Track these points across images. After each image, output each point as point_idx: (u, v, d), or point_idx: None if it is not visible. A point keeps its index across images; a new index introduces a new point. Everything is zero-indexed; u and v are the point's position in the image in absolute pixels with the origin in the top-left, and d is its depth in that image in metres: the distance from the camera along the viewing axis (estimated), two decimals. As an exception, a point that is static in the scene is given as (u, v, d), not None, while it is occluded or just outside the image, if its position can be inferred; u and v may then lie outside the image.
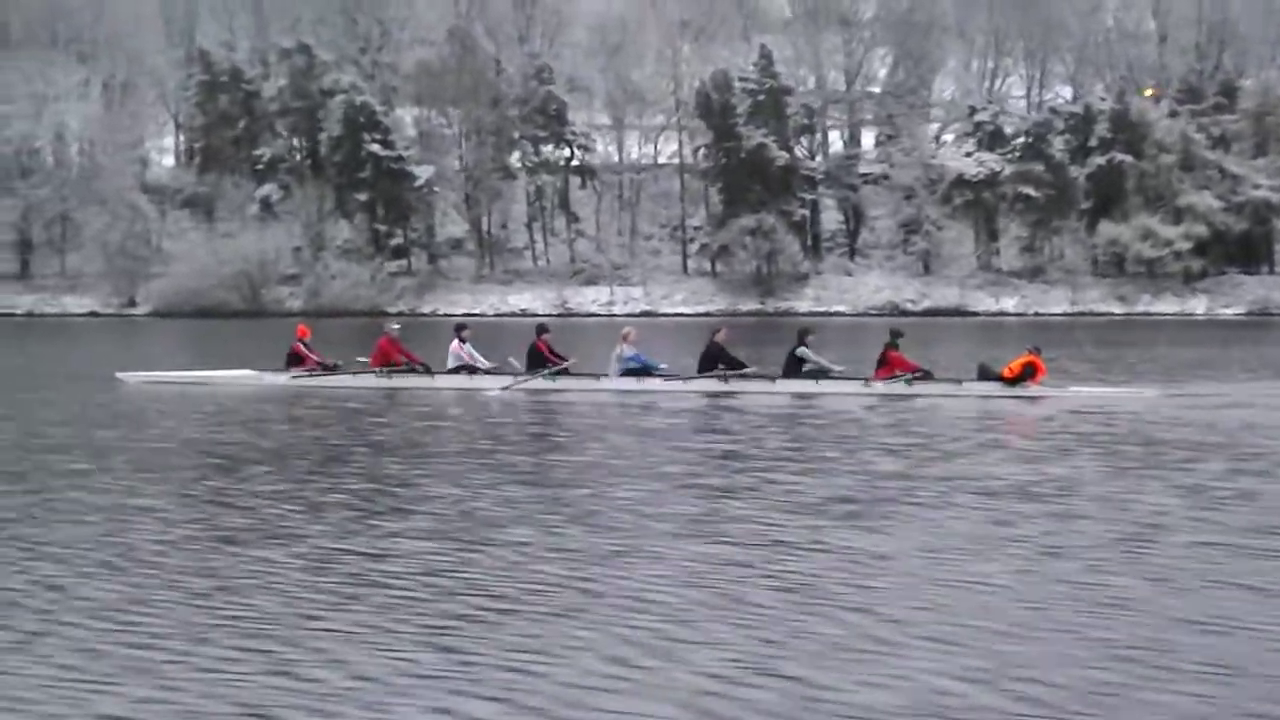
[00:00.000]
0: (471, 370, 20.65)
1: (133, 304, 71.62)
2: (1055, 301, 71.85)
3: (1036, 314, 70.25)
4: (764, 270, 72.87)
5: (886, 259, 77.08)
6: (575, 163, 76.77)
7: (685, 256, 77.10)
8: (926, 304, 71.81)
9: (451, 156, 76.83)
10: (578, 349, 22.27)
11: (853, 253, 79.11)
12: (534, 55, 76.11)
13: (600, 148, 77.51)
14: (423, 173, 73.32)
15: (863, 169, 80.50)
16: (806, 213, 75.18)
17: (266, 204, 72.68)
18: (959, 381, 19.65)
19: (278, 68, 75.24)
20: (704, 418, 17.21)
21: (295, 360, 21.31)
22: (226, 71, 74.83)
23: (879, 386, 19.27)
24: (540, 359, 20.30)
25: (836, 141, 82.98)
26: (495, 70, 75.95)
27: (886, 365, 19.62)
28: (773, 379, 19.84)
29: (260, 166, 74.37)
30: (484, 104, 74.69)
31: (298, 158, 75.80)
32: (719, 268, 75.58)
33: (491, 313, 70.96)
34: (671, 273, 76.25)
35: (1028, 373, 19.01)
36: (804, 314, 70.84)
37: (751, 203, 72.85)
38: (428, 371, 20.68)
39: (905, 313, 70.84)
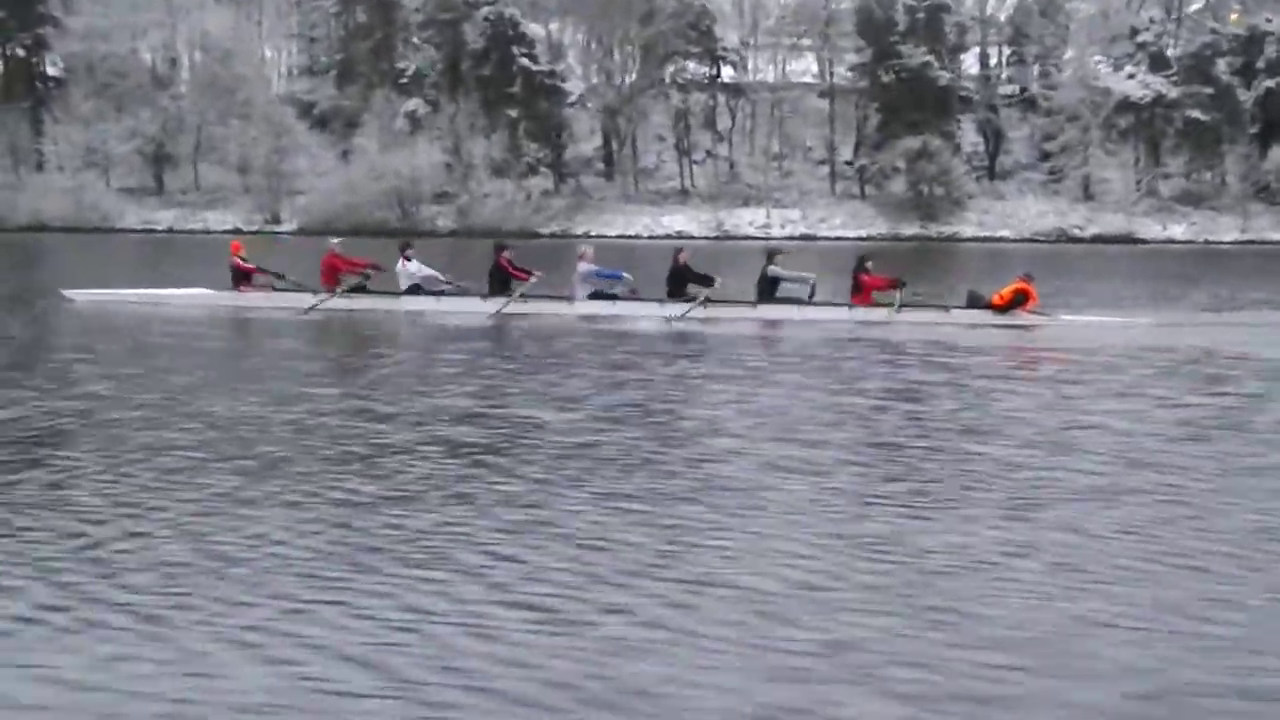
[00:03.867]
0: (430, 291, 19.38)
1: (276, 220, 69.43)
2: (1224, 229, 69.76)
3: (1207, 241, 68.21)
4: (926, 193, 70.58)
5: (1042, 184, 74.66)
6: (723, 80, 74.28)
7: (834, 179, 74.72)
8: (1093, 230, 69.68)
9: (596, 72, 74.29)
10: (730, 273, 20.84)
11: (992, 175, 76.79)
12: (688, -33, 73.17)
13: (750, 65, 74.91)
14: (573, 88, 70.84)
15: (1006, 90, 78.16)
16: (983, 134, 72.94)
17: (413, 118, 70.18)
18: (946, 308, 18.46)
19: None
20: (680, 343, 15.64)
21: (241, 277, 19.88)
22: (368, -21, 72.04)
23: (862, 313, 18.02)
24: (504, 278, 19.07)
25: (969, 61, 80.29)
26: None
27: (862, 291, 18.51)
28: (753, 304, 18.59)
29: (404, 80, 71.78)
30: (636, 18, 71.98)
31: (439, 70, 73.08)
32: (868, 190, 73.39)
33: (646, 234, 68.93)
34: (820, 195, 73.98)
35: (1018, 300, 18.05)
36: (967, 239, 69.04)
37: (909, 124, 70.52)
38: (376, 269, 19.53)
39: (1072, 239, 68.95)
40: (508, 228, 65.92)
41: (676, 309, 18.27)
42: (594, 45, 74.78)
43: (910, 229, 69.96)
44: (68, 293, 19.95)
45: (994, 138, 76.98)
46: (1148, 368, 13.10)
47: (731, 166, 74.97)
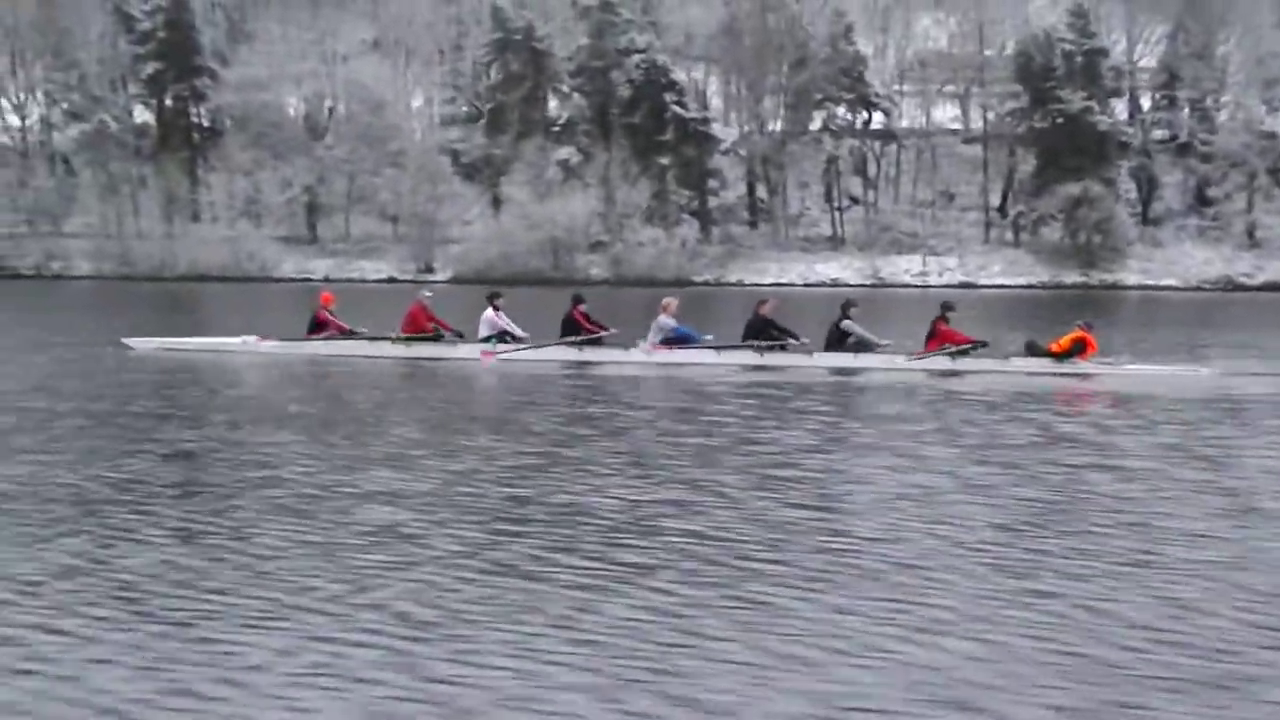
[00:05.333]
0: (503, 338, 19.99)
1: (429, 270, 69.42)
2: (1405, 280, 67.40)
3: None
4: (1089, 240, 69.00)
5: (1199, 231, 72.68)
6: (874, 126, 73.37)
7: (988, 226, 73.36)
8: (1262, 278, 67.69)
9: (745, 119, 73.71)
10: (890, 324, 21.27)
11: (1144, 222, 74.98)
12: (840, 14, 72.33)
13: (902, 110, 73.93)
14: (726, 135, 70.30)
15: (1156, 135, 76.37)
16: (1134, 180, 71.28)
17: (566, 167, 69.97)
18: (1006, 357, 18.55)
19: (575, 26, 72.25)
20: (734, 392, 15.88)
21: (317, 327, 20.79)
22: (520, 30, 71.93)
23: (919, 363, 18.19)
24: (575, 329, 19.60)
25: (1119, 107, 78.70)
26: (799, 29, 72.34)
27: (935, 338, 18.57)
28: (810, 352, 18.89)
29: (556, 128, 71.66)
30: (788, 63, 71.35)
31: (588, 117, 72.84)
32: (1023, 237, 71.98)
33: (800, 282, 68.09)
34: (974, 243, 72.65)
35: (1077, 349, 18.08)
36: (1131, 287, 67.46)
37: (1066, 170, 69.09)
38: (459, 337, 20.19)
39: (1240, 287, 67.06)
40: (662, 276, 65.60)
41: (733, 356, 18.59)
42: (743, 91, 74.10)
43: (1071, 277, 68.42)
44: (128, 340, 20.60)
45: (1147, 184, 75.29)
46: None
47: (878, 213, 73.85)
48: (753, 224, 74.24)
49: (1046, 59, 69.29)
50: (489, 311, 20.02)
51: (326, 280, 68.68)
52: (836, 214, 73.32)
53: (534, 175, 69.60)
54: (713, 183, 72.48)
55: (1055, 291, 64.36)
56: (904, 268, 69.52)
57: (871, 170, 74.51)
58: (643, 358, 19.06)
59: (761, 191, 74.12)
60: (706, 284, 67.32)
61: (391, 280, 67.80)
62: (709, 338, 19.53)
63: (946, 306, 18.85)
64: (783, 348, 18.75)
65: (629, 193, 69.51)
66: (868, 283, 68.06)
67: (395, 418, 13.28)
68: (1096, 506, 8.65)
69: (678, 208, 70.78)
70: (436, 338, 20.06)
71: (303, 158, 71.98)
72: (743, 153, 71.75)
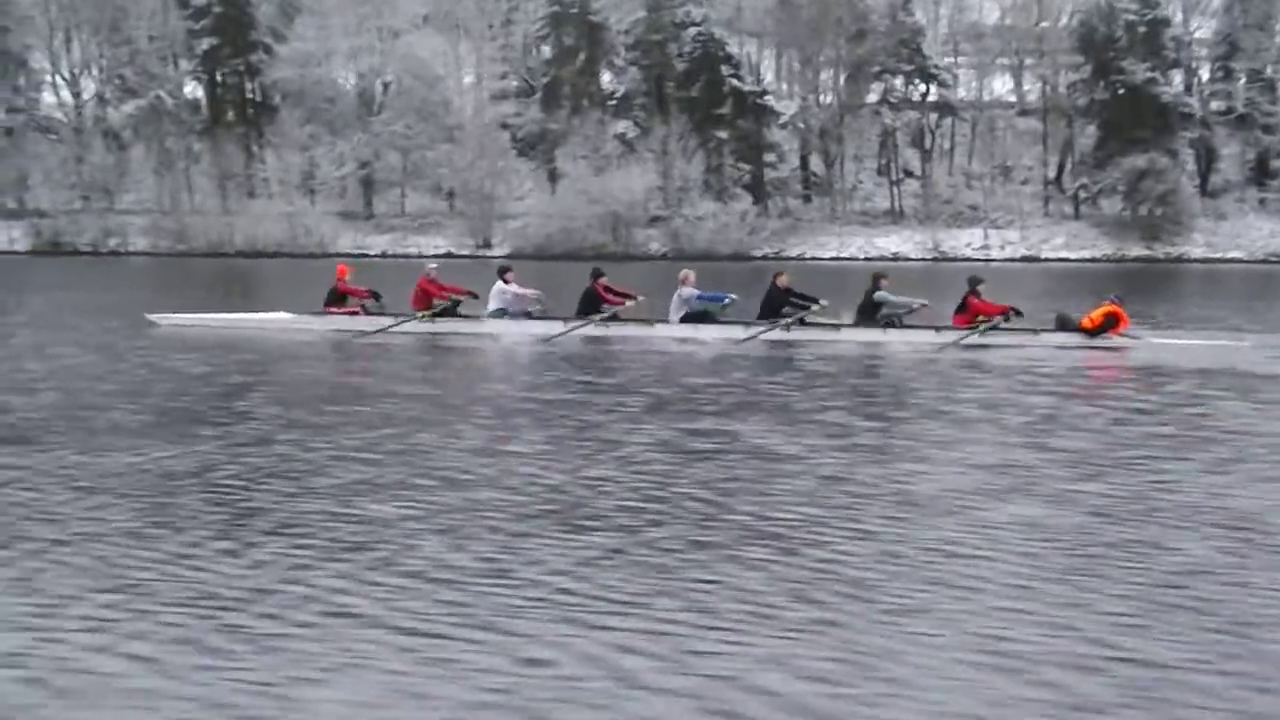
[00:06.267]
0: (518, 315, 19.33)
1: (488, 245, 69.11)
2: None
3: None
4: (1150, 213, 68.28)
5: (1260, 202, 71.79)
6: (932, 99, 72.70)
7: (1047, 199, 72.65)
8: (1331, 251, 66.89)
9: (801, 92, 73.16)
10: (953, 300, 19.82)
11: (1203, 193, 74.17)
12: (897, -15, 71.72)
13: (960, 83, 73.28)
14: (785, 108, 69.76)
15: (1216, 105, 75.46)
16: (1193, 152, 70.42)
17: (624, 141, 69.55)
18: (1035, 331, 17.90)
19: (631, 0, 71.75)
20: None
21: (336, 299, 20.01)
22: (575, 2, 71.44)
23: (950, 335, 17.63)
24: (595, 303, 18.88)
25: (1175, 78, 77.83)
26: (859, 2, 71.58)
27: (966, 312, 18.09)
28: (837, 327, 18.31)
29: (613, 101, 71.23)
30: (846, 36, 70.73)
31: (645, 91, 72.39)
32: (1082, 210, 71.29)
33: (861, 256, 67.59)
34: (1033, 216, 71.97)
35: (1109, 323, 17.55)
36: (1196, 260, 66.76)
37: (1129, 142, 68.32)
38: (474, 297, 19.56)
39: (1310, 260, 66.25)
40: (721, 250, 65.25)
41: (754, 330, 18.03)
42: (799, 65, 73.53)
43: (1135, 250, 67.74)
44: (152, 317, 20.13)
45: (1206, 155, 74.48)
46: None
47: (932, 185, 73.22)
48: (806, 198, 73.73)
49: (1109, 29, 68.49)
50: (499, 284, 19.50)
51: (383, 256, 68.59)
52: (894, 187, 72.71)
53: (591, 149, 69.18)
54: (769, 156, 72.00)
55: (1119, 265, 63.79)
56: (965, 241, 68.92)
57: (927, 143, 73.89)
58: (667, 332, 18.50)
59: (815, 165, 73.50)
60: (766, 258, 66.78)
61: (450, 255, 67.46)
62: (733, 297, 19.21)
63: (975, 280, 18.49)
64: (803, 321, 18.22)
65: (684, 167, 69.12)
66: (928, 256, 67.55)
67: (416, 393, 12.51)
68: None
69: (733, 181, 70.38)
70: (454, 306, 19.54)
71: (358, 133, 71.68)
72: (801, 125, 71.09)
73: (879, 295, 18.34)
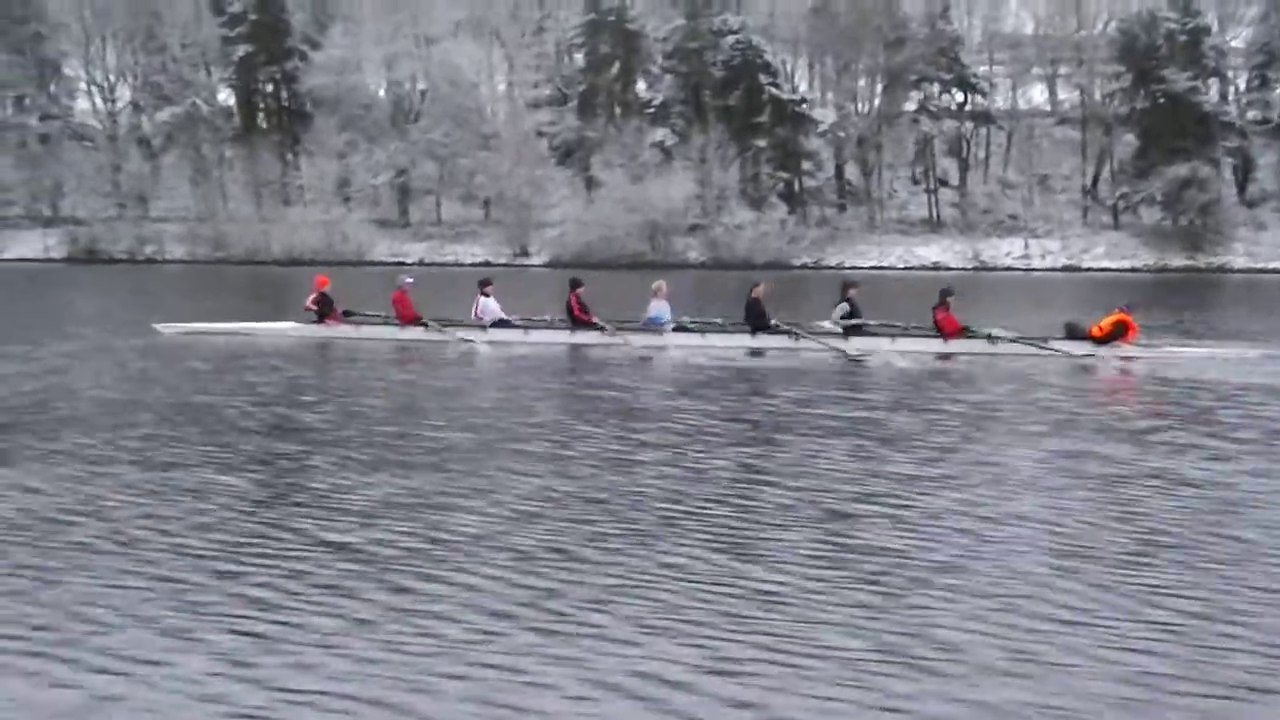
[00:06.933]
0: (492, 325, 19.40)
1: (525, 254, 68.79)
2: None
3: None
4: (1191, 223, 67.82)
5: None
6: (969, 108, 72.38)
7: (1085, 208, 72.23)
8: (1375, 262, 66.39)
9: (838, 100, 72.82)
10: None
11: (1241, 202, 73.68)
12: (937, -8, 71.45)
13: (1000, 92, 72.94)
14: (824, 117, 69.44)
15: (1252, 115, 74.99)
16: (1232, 161, 70.02)
17: (662, 149, 69.24)
18: (1045, 340, 18.00)
19: (666, 7, 71.52)
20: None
21: (326, 310, 20.23)
22: (613, 10, 71.19)
23: (955, 345, 17.90)
24: (569, 314, 19.23)
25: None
26: (895, 8, 71.33)
27: (935, 327, 18.30)
28: (796, 337, 18.49)
29: (650, 110, 70.94)
30: (884, 44, 70.39)
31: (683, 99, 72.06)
32: (1122, 220, 70.87)
33: (901, 265, 67.24)
34: (1073, 225, 71.56)
35: (1118, 331, 17.66)
36: (1239, 270, 66.31)
37: (1169, 151, 67.89)
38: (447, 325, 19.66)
39: (1352, 270, 65.79)
40: (760, 259, 64.86)
41: (757, 341, 18.34)
42: (835, 74, 73.21)
43: (1177, 260, 67.30)
44: (158, 326, 20.25)
45: (1243, 164, 74.10)
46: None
47: (969, 195, 72.85)
48: (841, 206, 73.37)
49: (1150, 38, 68.15)
50: (480, 299, 19.46)
51: (421, 264, 68.23)
52: (932, 196, 72.34)
53: (629, 158, 68.87)
54: (807, 165, 71.66)
55: (1161, 275, 63.37)
56: (1005, 251, 68.52)
57: (969, 152, 73.53)
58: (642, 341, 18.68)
59: (850, 174, 73.16)
60: (804, 267, 66.51)
61: (487, 264, 67.17)
62: (681, 320, 19.16)
63: (946, 292, 18.38)
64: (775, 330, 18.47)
65: (722, 175, 68.81)
66: (969, 266, 67.13)
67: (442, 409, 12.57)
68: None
69: (770, 190, 70.09)
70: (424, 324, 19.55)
71: (394, 140, 71.42)
72: (841, 134, 70.74)
73: (840, 306, 18.48)
